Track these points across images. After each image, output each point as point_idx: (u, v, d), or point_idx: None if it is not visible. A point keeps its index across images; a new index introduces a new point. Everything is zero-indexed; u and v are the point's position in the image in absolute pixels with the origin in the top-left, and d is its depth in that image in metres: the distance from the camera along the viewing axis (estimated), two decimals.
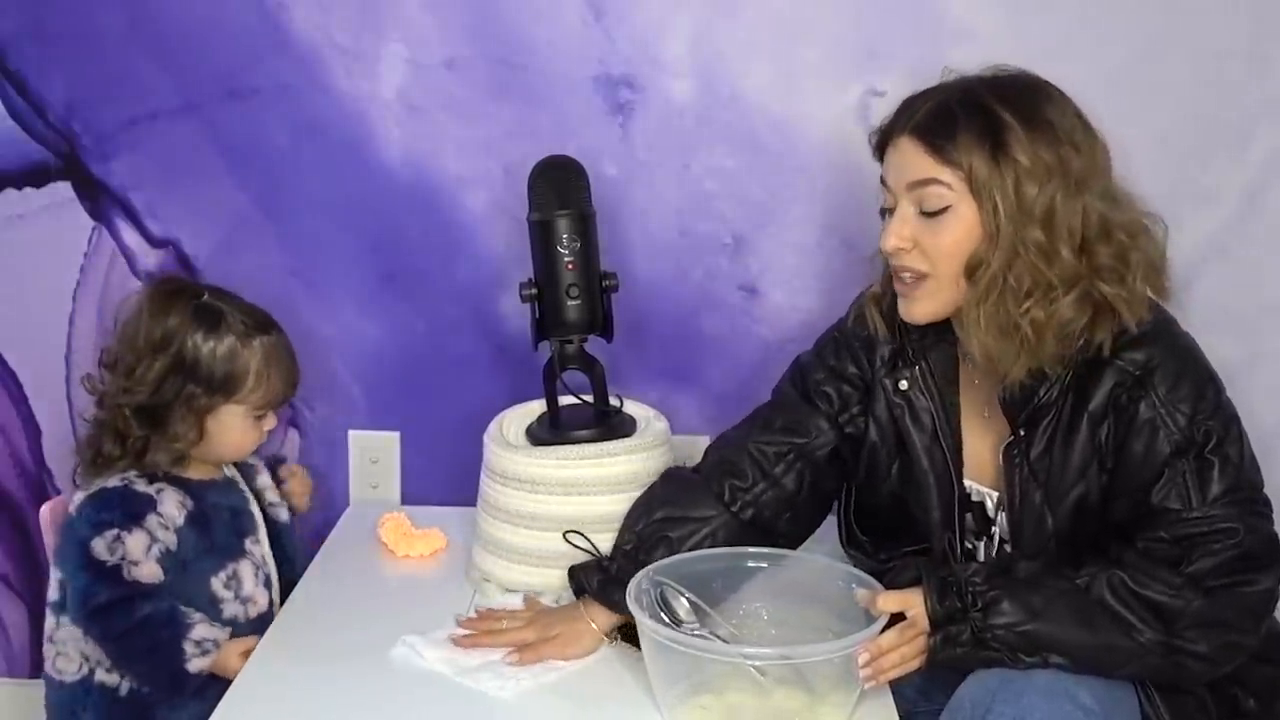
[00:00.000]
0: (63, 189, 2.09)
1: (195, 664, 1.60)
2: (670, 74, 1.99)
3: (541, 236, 1.74)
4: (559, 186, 1.74)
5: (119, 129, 2.06)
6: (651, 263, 2.05)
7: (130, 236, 2.10)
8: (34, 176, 2.09)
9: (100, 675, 1.67)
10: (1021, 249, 1.41)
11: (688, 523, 1.61)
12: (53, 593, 1.69)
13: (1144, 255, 1.46)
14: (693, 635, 1.43)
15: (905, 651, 1.41)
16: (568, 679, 1.51)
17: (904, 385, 1.59)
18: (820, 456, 1.65)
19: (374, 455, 2.14)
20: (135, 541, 1.62)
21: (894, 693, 1.47)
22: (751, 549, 1.57)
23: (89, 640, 1.65)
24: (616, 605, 1.53)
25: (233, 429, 1.70)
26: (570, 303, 1.73)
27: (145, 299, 1.70)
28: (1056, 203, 1.41)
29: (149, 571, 1.63)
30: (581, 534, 1.67)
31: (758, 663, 1.39)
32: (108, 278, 2.11)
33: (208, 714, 1.42)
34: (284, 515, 1.80)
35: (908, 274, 1.49)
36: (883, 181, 1.52)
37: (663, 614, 1.46)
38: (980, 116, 1.43)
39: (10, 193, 2.09)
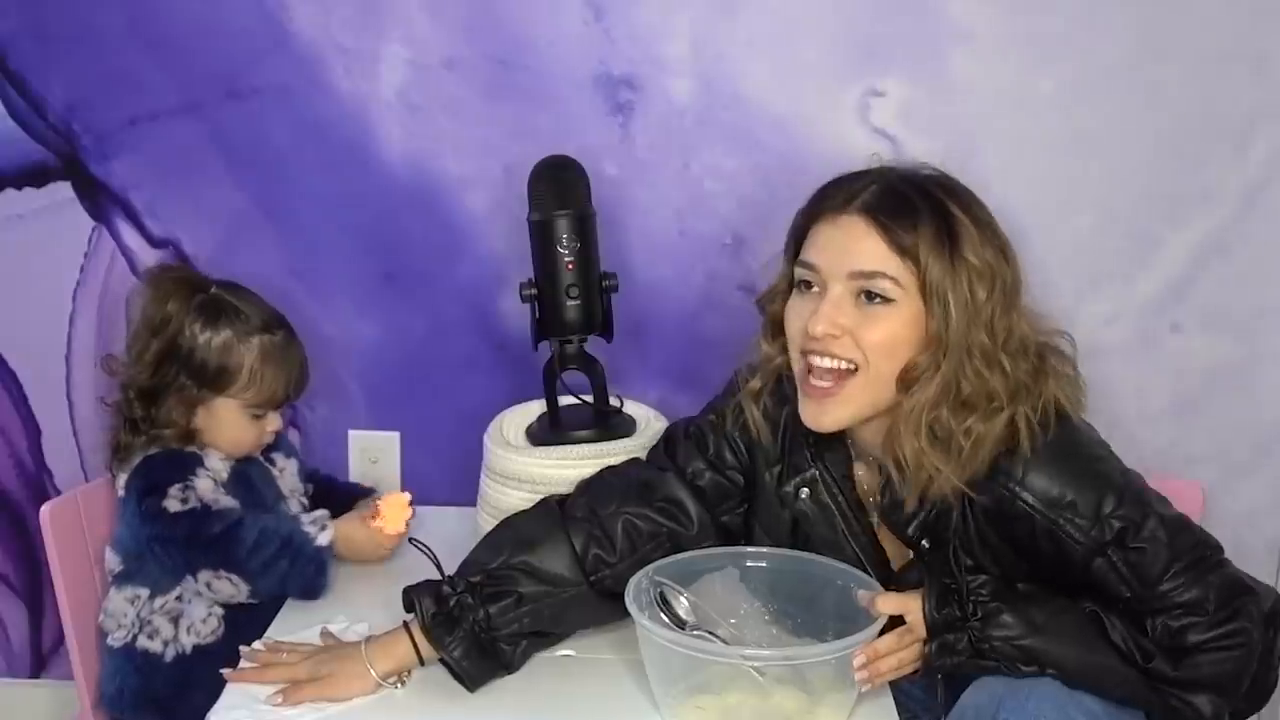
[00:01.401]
0: (63, 189, 2.09)
1: (323, 537, 1.65)
2: (670, 74, 1.99)
3: (541, 236, 1.74)
4: (559, 186, 1.74)
5: (119, 129, 2.06)
6: (651, 263, 2.05)
7: (130, 236, 2.10)
8: (34, 176, 2.09)
9: (142, 641, 1.69)
10: (967, 356, 1.35)
11: (543, 581, 1.49)
12: (113, 568, 1.71)
13: (1051, 376, 1.40)
14: (692, 636, 1.43)
15: (903, 656, 1.40)
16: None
17: (805, 494, 1.52)
18: (695, 546, 1.56)
19: (374, 455, 2.14)
20: (202, 484, 1.66)
21: (897, 703, 1.46)
22: (750, 549, 1.56)
23: (222, 577, 1.63)
24: (443, 646, 1.45)
25: (227, 424, 1.71)
26: (570, 303, 1.73)
27: (147, 283, 1.74)
28: (996, 310, 1.36)
29: (230, 503, 1.66)
30: (425, 545, 1.56)
31: (757, 664, 1.39)
32: (108, 278, 2.11)
33: None
34: (293, 508, 1.80)
35: (831, 363, 1.38)
36: (803, 263, 1.41)
37: (663, 614, 1.46)
38: (936, 210, 1.37)
39: (10, 193, 2.09)
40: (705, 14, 1.97)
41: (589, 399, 1.80)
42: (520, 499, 1.69)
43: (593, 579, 1.52)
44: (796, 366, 1.43)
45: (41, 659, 2.28)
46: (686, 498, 1.57)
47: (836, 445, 1.51)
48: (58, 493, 2.13)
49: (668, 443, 1.62)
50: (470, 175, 2.04)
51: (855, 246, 1.37)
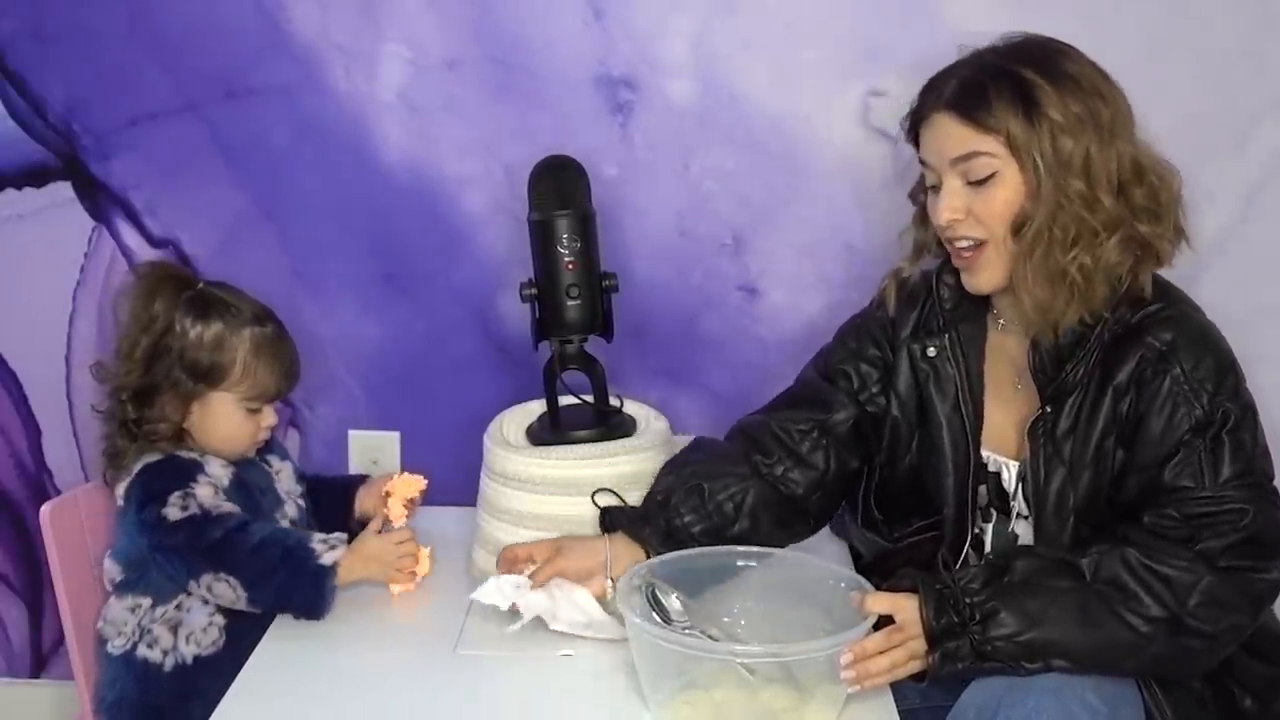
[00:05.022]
0: (63, 189, 2.09)
1: (328, 557, 1.61)
2: (670, 74, 1.99)
3: (541, 236, 1.73)
4: (559, 186, 1.74)
5: (119, 129, 2.06)
6: (651, 263, 2.05)
7: (130, 236, 2.10)
8: (34, 176, 2.09)
9: (142, 650, 1.67)
10: (1065, 201, 1.46)
11: (721, 477, 1.65)
12: (114, 577, 1.70)
13: (1172, 194, 1.52)
14: (683, 633, 1.43)
15: (895, 656, 1.40)
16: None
17: (931, 352, 1.63)
18: (843, 431, 1.68)
19: (374, 455, 2.14)
20: (203, 491, 1.64)
21: (894, 693, 1.46)
22: (741, 548, 1.57)
23: (222, 579, 1.61)
24: (643, 541, 1.60)
25: (223, 419, 1.69)
26: (570, 303, 1.73)
27: (134, 281, 1.72)
28: (1092, 152, 1.47)
29: (230, 508, 1.64)
30: (612, 491, 1.68)
31: (746, 660, 1.39)
32: (108, 278, 2.11)
33: None
34: (291, 511, 1.79)
35: (965, 243, 1.53)
36: (923, 162, 1.57)
37: (654, 613, 1.46)
38: (1008, 81, 1.49)
39: (10, 193, 2.09)
40: (705, 14, 1.97)
41: (589, 399, 1.80)
42: (520, 499, 1.69)
43: (761, 473, 1.66)
44: (949, 249, 1.58)
45: (41, 659, 2.28)
46: (829, 390, 1.70)
47: (974, 318, 1.63)
48: (58, 493, 2.13)
49: (815, 355, 1.76)
50: (470, 175, 2.04)
51: (947, 139, 1.51)
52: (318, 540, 1.63)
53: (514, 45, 2.00)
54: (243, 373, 1.69)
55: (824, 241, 2.03)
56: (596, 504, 1.67)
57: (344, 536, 1.66)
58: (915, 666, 1.42)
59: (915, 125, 1.56)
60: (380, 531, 1.70)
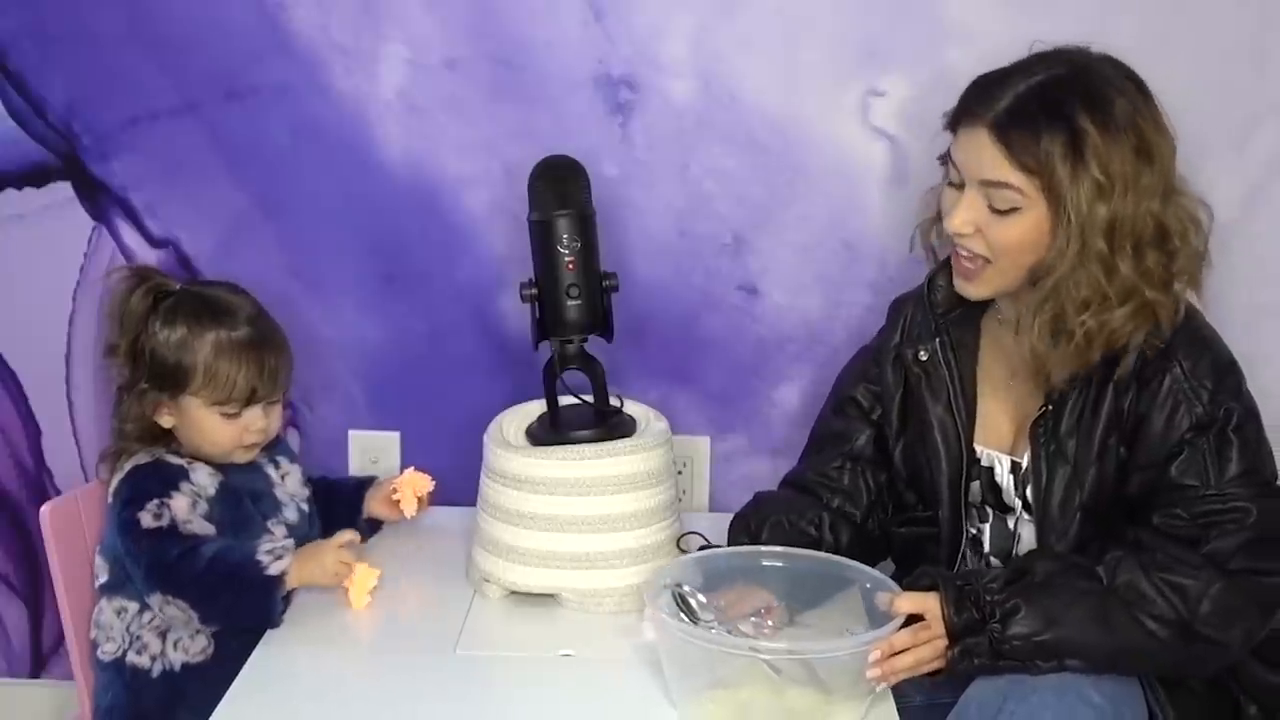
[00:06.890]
0: (63, 189, 2.09)
1: (275, 567, 1.59)
2: (670, 74, 1.99)
3: (541, 236, 1.73)
4: (559, 186, 1.74)
5: (119, 129, 2.06)
6: (651, 263, 2.05)
7: (130, 236, 2.10)
8: (34, 176, 2.09)
9: (131, 657, 1.67)
10: (1085, 260, 1.44)
11: (795, 509, 1.68)
12: (101, 576, 1.70)
13: (1190, 254, 1.49)
14: (708, 630, 1.43)
15: (921, 653, 1.42)
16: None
17: (923, 356, 1.64)
18: (869, 452, 1.71)
19: (374, 455, 2.14)
20: (179, 504, 1.64)
21: (894, 691, 1.46)
22: (765, 548, 1.58)
23: (171, 603, 1.61)
24: None
25: (200, 423, 1.68)
26: (570, 303, 1.73)
27: (109, 288, 1.73)
28: (1121, 215, 1.44)
29: (202, 527, 1.64)
30: (697, 533, 1.72)
31: (769, 658, 1.39)
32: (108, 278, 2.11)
33: None
34: (290, 515, 1.79)
35: (968, 254, 1.52)
36: (951, 159, 1.53)
37: (681, 612, 1.46)
38: (1063, 126, 1.43)
39: (10, 193, 2.09)
40: (705, 14, 1.97)
41: (589, 399, 1.80)
42: (520, 499, 1.69)
43: (826, 508, 1.70)
44: (953, 249, 1.57)
45: (41, 659, 2.28)
46: (843, 421, 1.73)
47: (967, 319, 1.64)
48: (58, 493, 2.13)
49: (831, 390, 1.79)
50: (470, 175, 2.05)
51: (982, 157, 1.47)
52: (264, 552, 1.61)
53: (514, 45, 2.00)
54: (205, 376, 1.66)
55: (823, 241, 2.03)
56: (683, 549, 1.68)
57: (291, 544, 1.64)
58: (939, 663, 1.43)
59: (956, 122, 1.52)
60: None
